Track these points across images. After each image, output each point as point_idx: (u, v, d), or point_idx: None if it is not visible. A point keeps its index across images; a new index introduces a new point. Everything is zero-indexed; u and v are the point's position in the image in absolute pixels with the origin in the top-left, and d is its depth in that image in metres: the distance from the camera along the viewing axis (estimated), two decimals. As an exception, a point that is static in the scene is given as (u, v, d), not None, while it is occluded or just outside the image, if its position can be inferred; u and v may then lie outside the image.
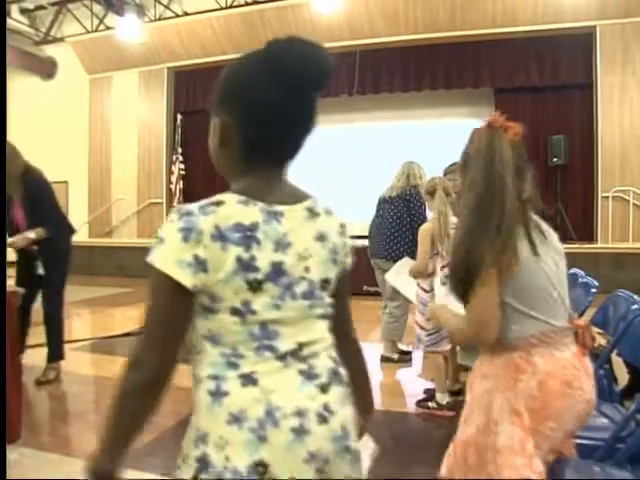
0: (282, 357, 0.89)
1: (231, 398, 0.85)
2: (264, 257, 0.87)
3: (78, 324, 6.11)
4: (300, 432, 0.86)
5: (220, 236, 0.84)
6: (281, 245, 0.89)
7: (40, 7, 10.44)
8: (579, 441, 1.74)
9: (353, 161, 9.27)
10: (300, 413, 0.87)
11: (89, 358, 4.39)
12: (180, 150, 9.95)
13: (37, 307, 3.56)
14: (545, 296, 1.35)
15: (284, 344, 0.89)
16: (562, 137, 7.77)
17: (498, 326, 1.33)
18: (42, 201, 3.40)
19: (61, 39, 10.45)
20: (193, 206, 0.86)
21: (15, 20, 10.28)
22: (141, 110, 10.20)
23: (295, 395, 0.88)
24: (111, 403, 0.86)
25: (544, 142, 7.93)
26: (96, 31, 10.16)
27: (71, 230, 3.67)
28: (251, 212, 0.87)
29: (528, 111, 7.98)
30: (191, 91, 10.04)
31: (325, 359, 0.95)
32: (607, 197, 7.69)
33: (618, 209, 7.67)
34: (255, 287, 0.86)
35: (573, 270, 2.95)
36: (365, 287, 7.79)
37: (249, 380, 0.86)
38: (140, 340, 0.86)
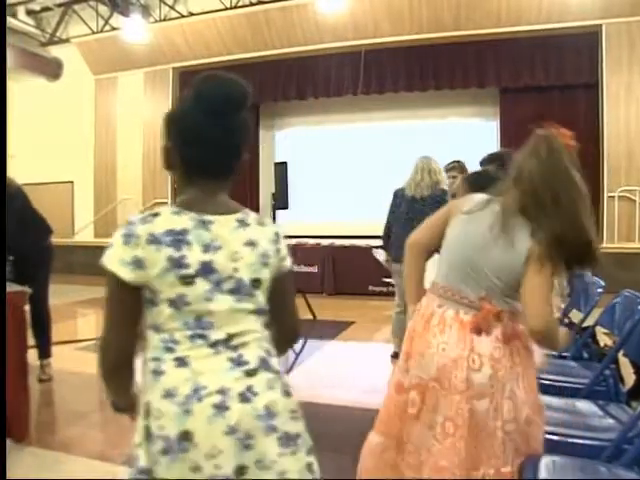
0: (213, 345, 1.06)
1: (166, 377, 1.03)
2: (193, 256, 1.04)
3: (83, 324, 6.14)
4: (221, 408, 1.01)
5: (154, 240, 1.03)
6: (210, 248, 1.06)
7: (46, 8, 10.47)
8: (585, 441, 1.74)
9: (357, 161, 9.26)
10: (222, 392, 1.02)
11: (94, 358, 4.39)
12: (185, 150, 9.96)
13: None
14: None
15: (215, 333, 1.06)
16: (568, 136, 7.74)
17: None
18: (19, 211, 3.35)
19: (67, 40, 10.49)
20: (136, 217, 1.07)
21: (21, 22, 10.32)
22: (146, 110, 10.22)
23: (221, 377, 1.04)
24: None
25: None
26: (101, 32, 10.18)
27: (49, 230, 3.81)
28: (182, 220, 1.07)
29: (533, 110, 7.94)
30: (196, 91, 10.06)
31: (255, 349, 1.10)
32: (613, 197, 7.65)
33: (624, 209, 7.63)
34: (187, 281, 1.04)
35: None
36: (370, 287, 7.82)
37: (182, 363, 1.04)
38: (102, 333, 1.07)
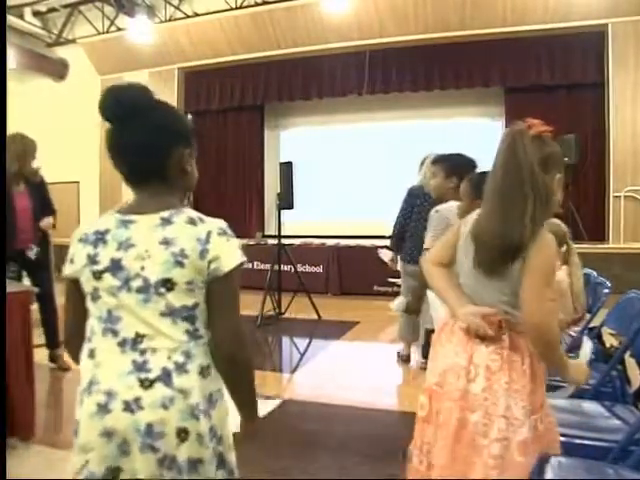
0: (121, 343, 1.08)
1: (82, 363, 1.13)
2: (106, 254, 1.11)
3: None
4: (102, 409, 1.04)
5: (82, 239, 1.15)
6: (123, 246, 1.10)
7: (52, 9, 10.52)
8: (591, 443, 1.73)
9: (362, 161, 9.25)
10: (109, 394, 1.05)
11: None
12: (190, 150, 9.97)
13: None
14: None
15: (124, 330, 1.08)
16: (573, 136, 7.70)
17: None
18: (49, 197, 3.91)
19: (73, 40, 10.53)
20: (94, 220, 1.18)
21: (28, 22, 10.37)
22: (151, 111, 10.25)
23: (114, 378, 1.06)
24: None
25: (555, 141, 7.82)
26: (107, 32, 10.22)
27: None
28: (108, 221, 1.14)
29: (539, 110, 7.85)
30: (201, 91, 10.08)
31: (162, 358, 1.07)
32: (619, 197, 7.61)
33: (630, 209, 7.58)
34: (97, 277, 1.10)
35: (585, 270, 2.93)
36: (375, 287, 7.81)
37: (91, 354, 1.11)
38: None
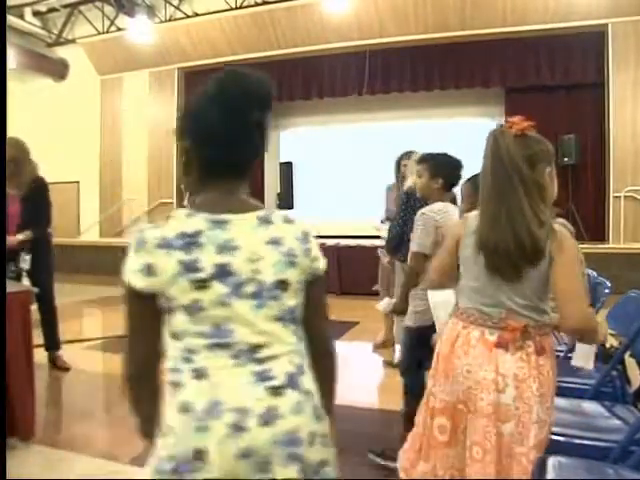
0: (236, 356, 0.97)
1: (184, 389, 0.96)
2: (207, 259, 0.97)
3: (89, 323, 6.16)
4: (236, 428, 0.92)
5: (165, 244, 0.97)
6: (226, 248, 0.98)
7: (52, 9, 10.52)
8: (591, 443, 1.73)
9: (362, 161, 9.25)
10: (240, 410, 0.93)
11: (100, 357, 4.42)
12: (190, 150, 9.97)
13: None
14: None
15: (237, 342, 0.97)
16: (573, 136, 7.71)
17: None
18: (41, 205, 3.76)
19: (73, 41, 10.53)
20: (147, 225, 1.02)
21: (28, 22, 10.37)
22: (152, 110, 10.25)
23: (240, 393, 0.95)
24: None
25: (555, 141, 7.84)
26: (107, 32, 10.22)
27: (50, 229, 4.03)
28: (195, 222, 0.99)
29: (539, 110, 7.87)
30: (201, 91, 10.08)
31: (284, 363, 1.00)
32: (619, 197, 7.62)
33: (630, 209, 7.59)
34: (200, 286, 0.96)
35: (585, 270, 2.92)
36: (375, 287, 7.80)
37: (201, 374, 0.96)
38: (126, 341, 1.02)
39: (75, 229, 10.57)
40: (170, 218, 1.01)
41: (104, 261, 9.35)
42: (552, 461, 1.48)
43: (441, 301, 2.83)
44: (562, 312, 1.42)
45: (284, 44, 9.02)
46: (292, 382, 0.99)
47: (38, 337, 3.60)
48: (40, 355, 3.49)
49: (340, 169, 9.41)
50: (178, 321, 0.97)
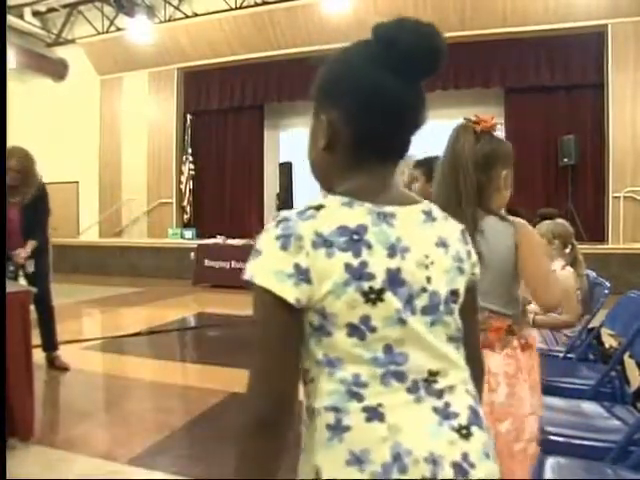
0: (412, 389, 0.76)
1: (353, 434, 0.72)
2: (378, 263, 0.74)
3: (88, 323, 6.16)
4: None
5: (323, 242, 0.72)
6: (397, 250, 0.76)
7: (52, 9, 10.53)
8: (590, 443, 1.73)
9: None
10: (434, 461, 0.72)
11: (100, 357, 4.42)
12: (190, 150, 10.00)
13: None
14: None
15: (412, 371, 0.76)
16: (573, 137, 7.71)
17: None
18: (43, 213, 3.77)
19: (72, 41, 10.55)
20: (291, 212, 0.76)
21: (28, 22, 10.38)
22: (151, 111, 10.26)
23: (429, 437, 0.74)
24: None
25: (555, 142, 7.86)
26: (107, 32, 10.23)
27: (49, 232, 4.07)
28: (357, 214, 0.75)
29: (539, 111, 7.92)
30: (201, 91, 10.09)
31: (463, 395, 0.80)
32: (618, 197, 7.62)
33: (629, 209, 7.60)
34: (373, 299, 0.73)
35: (585, 271, 2.92)
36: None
37: (375, 414, 0.73)
38: (251, 372, 0.74)
39: (74, 229, 10.57)
40: (321, 208, 0.76)
41: (103, 262, 9.36)
42: (551, 461, 1.48)
43: None
44: (536, 293, 1.52)
45: (284, 44, 9.02)
46: (476, 418, 0.79)
47: (35, 338, 3.60)
48: (38, 356, 3.48)
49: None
50: (339, 344, 0.74)
